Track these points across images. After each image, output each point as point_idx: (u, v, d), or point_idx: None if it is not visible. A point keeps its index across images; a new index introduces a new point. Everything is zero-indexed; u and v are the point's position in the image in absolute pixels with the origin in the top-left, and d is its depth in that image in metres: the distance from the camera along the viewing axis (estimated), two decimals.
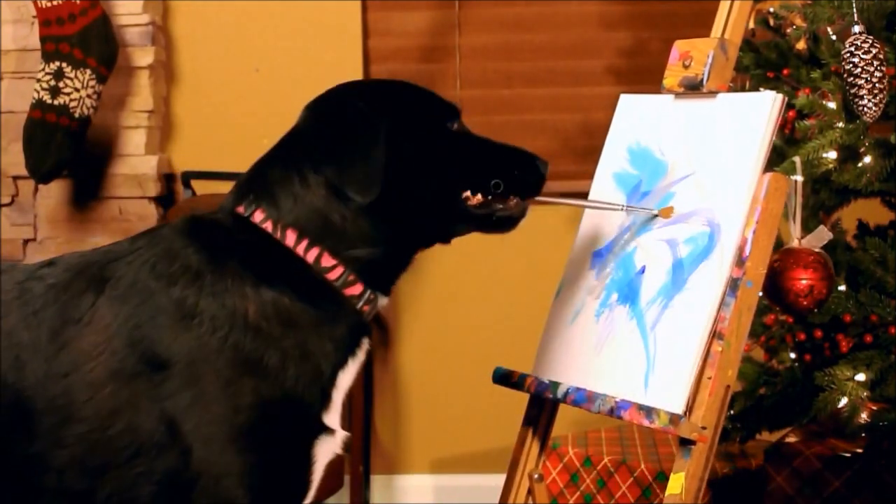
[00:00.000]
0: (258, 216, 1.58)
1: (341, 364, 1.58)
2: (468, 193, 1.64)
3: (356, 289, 1.58)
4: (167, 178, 3.54)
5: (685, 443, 1.71)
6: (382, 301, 1.64)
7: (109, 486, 1.48)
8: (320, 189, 1.57)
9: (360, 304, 1.59)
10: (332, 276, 1.57)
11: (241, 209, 1.60)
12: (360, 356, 1.62)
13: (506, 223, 1.69)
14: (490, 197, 1.66)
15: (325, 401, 1.56)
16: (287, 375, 1.52)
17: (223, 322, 1.50)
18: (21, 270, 1.59)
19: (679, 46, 1.95)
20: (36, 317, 1.51)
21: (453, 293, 3.53)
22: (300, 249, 1.56)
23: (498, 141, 1.72)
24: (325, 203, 1.57)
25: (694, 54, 1.91)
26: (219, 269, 1.53)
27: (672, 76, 1.94)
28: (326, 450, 1.57)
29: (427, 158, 1.62)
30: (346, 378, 1.60)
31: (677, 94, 1.93)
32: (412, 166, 1.60)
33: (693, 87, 1.90)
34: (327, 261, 1.57)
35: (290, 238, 1.56)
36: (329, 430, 1.56)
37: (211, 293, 1.51)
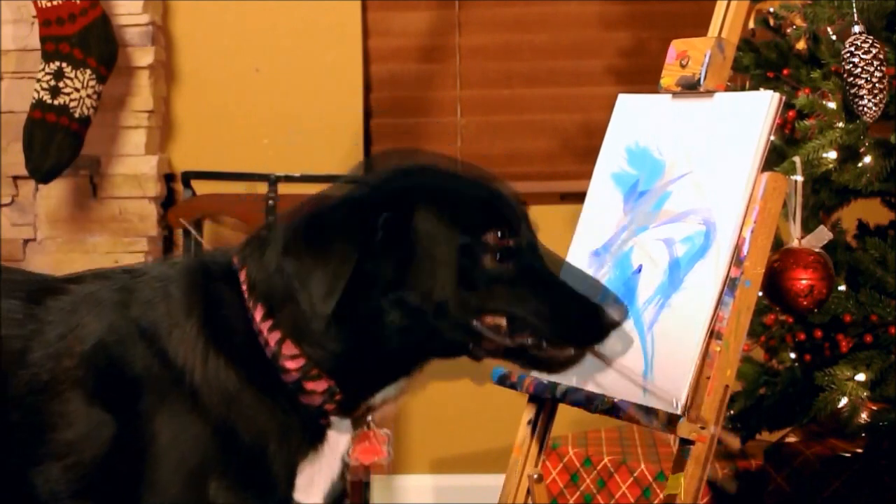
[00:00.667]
0: (242, 275, 1.45)
1: (293, 455, 1.45)
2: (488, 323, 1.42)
3: (319, 384, 1.42)
4: (167, 178, 3.54)
5: (684, 443, 1.71)
6: (373, 400, 1.49)
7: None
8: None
9: (322, 401, 1.43)
10: (291, 364, 1.42)
11: (236, 259, 1.48)
12: (332, 448, 1.48)
13: (541, 364, 1.46)
14: (530, 334, 1.42)
15: (273, 485, 1.44)
16: (233, 445, 1.42)
17: (175, 372, 1.42)
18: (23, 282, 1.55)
19: (676, 46, 1.95)
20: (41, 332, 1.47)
21: None
22: (264, 328, 1.42)
23: (562, 282, 1.44)
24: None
25: (691, 54, 1.91)
26: (191, 312, 1.44)
27: (669, 76, 1.94)
28: None
29: (435, 275, 1.40)
30: (312, 467, 1.47)
31: (674, 94, 1.93)
32: (412, 281, 1.39)
33: (690, 87, 1.89)
34: (289, 349, 1.42)
35: (259, 312, 1.43)
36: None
37: (174, 340, 1.43)
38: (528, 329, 1.41)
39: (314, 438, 1.47)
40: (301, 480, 1.46)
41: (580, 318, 1.43)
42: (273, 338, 1.42)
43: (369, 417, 1.52)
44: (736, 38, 1.93)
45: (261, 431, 1.42)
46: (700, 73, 1.88)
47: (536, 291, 1.42)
